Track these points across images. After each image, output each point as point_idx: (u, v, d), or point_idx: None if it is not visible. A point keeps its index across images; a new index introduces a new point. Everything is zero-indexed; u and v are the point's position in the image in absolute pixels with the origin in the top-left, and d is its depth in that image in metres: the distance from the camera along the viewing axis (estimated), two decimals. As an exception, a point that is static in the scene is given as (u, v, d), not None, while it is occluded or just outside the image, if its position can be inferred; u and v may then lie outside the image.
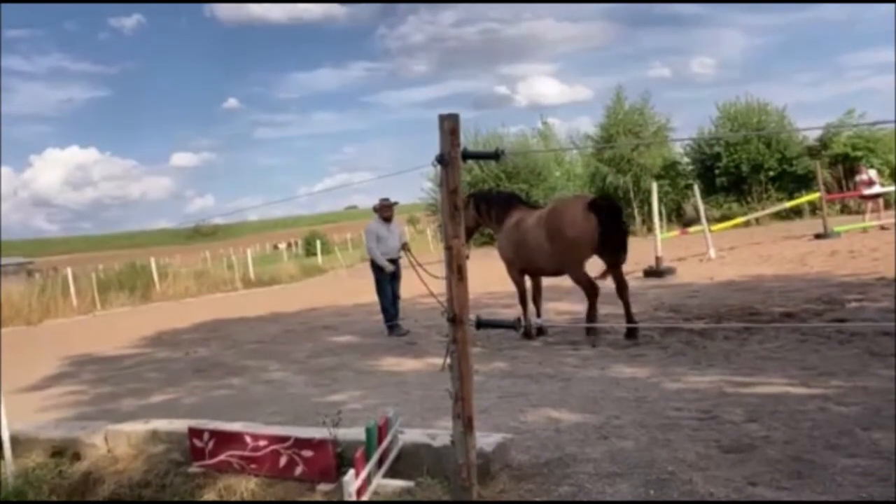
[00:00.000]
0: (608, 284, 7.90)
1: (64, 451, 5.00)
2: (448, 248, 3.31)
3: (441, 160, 3.24)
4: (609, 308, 8.41)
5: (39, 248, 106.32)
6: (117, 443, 4.94)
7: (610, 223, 7.53)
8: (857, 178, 18.77)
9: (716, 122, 29.29)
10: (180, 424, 4.85)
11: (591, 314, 7.69)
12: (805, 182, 26.26)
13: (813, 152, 27.32)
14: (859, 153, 25.52)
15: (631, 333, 7.47)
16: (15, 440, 4.93)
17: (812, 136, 28.14)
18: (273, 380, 7.51)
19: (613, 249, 7.63)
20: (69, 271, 22.88)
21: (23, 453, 4.97)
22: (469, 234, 8.77)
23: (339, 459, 3.96)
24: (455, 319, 3.27)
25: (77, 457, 4.94)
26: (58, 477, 4.77)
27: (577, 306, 8.86)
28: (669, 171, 30.34)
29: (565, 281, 7.89)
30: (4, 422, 4.83)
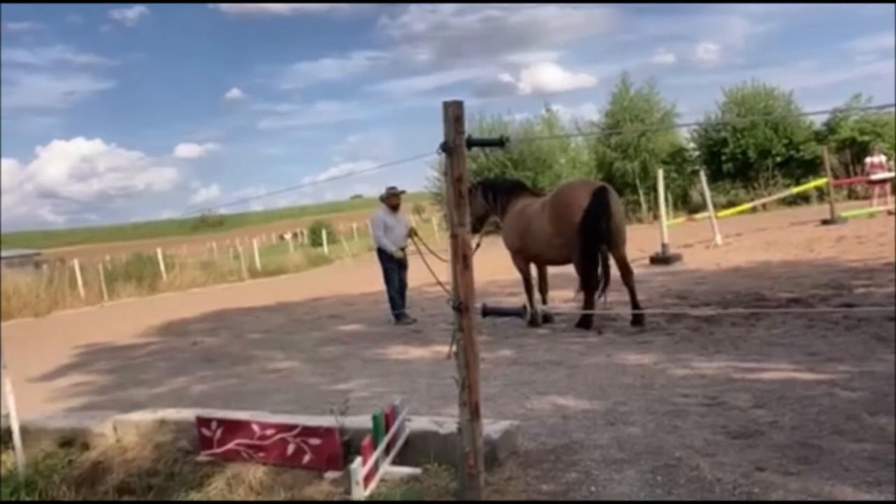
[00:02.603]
0: (614, 273, 7.87)
1: (73, 441, 5.03)
2: (453, 237, 3.29)
3: (446, 148, 3.23)
4: (615, 295, 8.39)
5: (46, 239, 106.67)
6: (126, 432, 4.96)
7: (598, 208, 7.42)
8: (868, 159, 18.63)
9: (722, 107, 29.11)
10: (188, 413, 4.87)
11: (588, 306, 7.66)
12: (812, 167, 26.09)
13: (820, 137, 27.14)
14: (867, 138, 25.34)
15: (637, 320, 7.46)
16: (24, 430, 4.95)
17: (819, 120, 27.99)
18: (280, 369, 7.53)
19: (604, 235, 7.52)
20: (76, 263, 22.99)
21: (32, 443, 5.00)
22: (480, 222, 8.73)
23: (346, 447, 3.98)
24: (461, 307, 3.26)
25: (86, 446, 4.97)
26: (67, 466, 4.80)
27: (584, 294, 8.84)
28: (676, 158, 30.24)
29: (571, 268, 7.87)
30: (14, 412, 4.86)
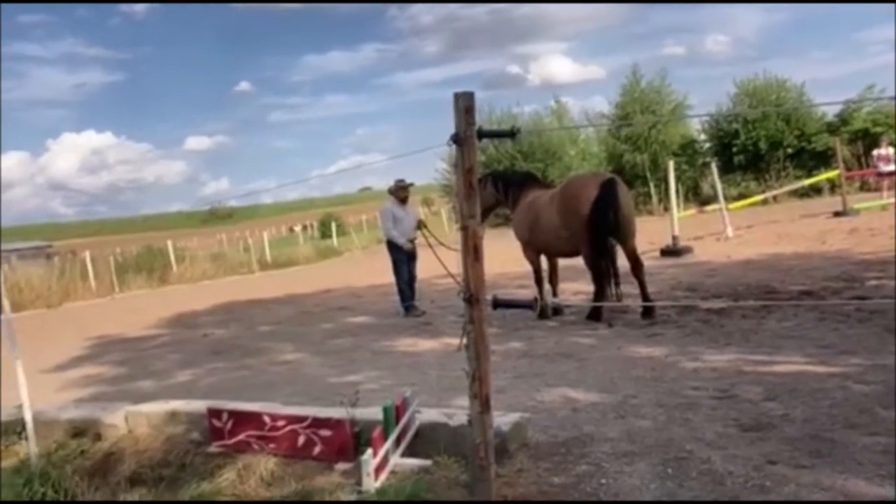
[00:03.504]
0: (623, 264, 7.84)
1: (85, 432, 5.06)
2: (464, 229, 3.28)
3: (456, 139, 3.21)
4: (625, 288, 8.36)
5: (57, 232, 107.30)
6: (137, 423, 4.99)
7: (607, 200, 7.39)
8: (875, 151, 18.46)
9: (734, 98, 28.90)
10: (199, 405, 4.89)
11: (598, 298, 7.62)
12: (824, 159, 25.87)
13: (832, 129, 26.90)
14: (880, 129, 25.11)
15: (648, 312, 7.43)
16: (36, 421, 4.98)
17: (831, 112, 27.73)
18: (290, 361, 7.55)
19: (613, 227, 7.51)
20: (87, 255, 23.10)
21: (45, 434, 5.03)
22: (486, 213, 8.72)
23: (356, 439, 3.98)
24: (471, 299, 3.25)
25: (98, 437, 5.00)
26: (80, 457, 4.83)
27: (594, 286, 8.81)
28: (687, 149, 30.05)
29: (582, 261, 7.85)
30: (27, 403, 4.88)
